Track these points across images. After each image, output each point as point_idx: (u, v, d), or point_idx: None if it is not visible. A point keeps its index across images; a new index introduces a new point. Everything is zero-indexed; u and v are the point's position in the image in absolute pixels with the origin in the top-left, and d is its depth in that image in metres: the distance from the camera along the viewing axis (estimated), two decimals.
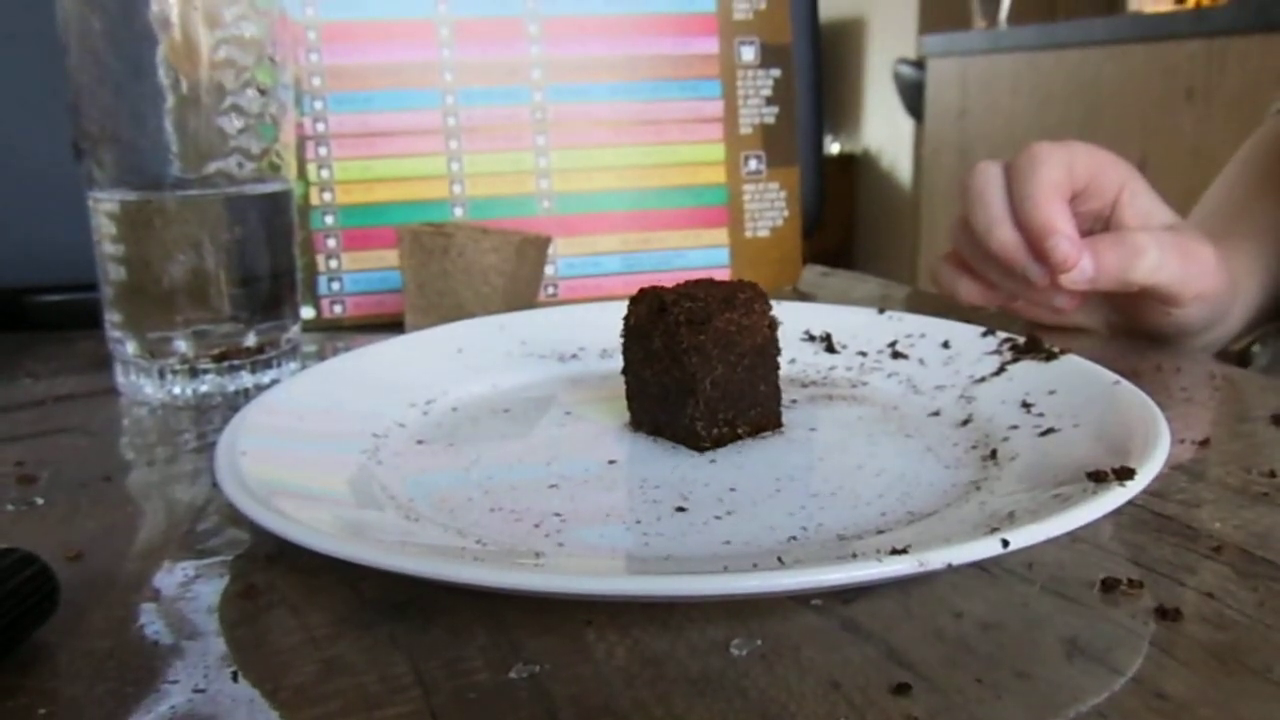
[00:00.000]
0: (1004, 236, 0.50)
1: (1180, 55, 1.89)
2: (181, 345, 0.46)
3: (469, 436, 0.40)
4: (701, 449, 0.37)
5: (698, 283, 0.38)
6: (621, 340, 0.39)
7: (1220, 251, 0.53)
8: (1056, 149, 0.50)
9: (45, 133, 0.57)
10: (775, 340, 0.38)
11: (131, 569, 0.31)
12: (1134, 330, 0.55)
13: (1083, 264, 0.48)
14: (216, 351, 0.46)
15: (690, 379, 0.36)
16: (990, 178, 0.51)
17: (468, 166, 0.62)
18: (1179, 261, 0.50)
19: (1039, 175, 0.49)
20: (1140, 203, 0.52)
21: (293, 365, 0.49)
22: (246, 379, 0.47)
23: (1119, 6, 2.84)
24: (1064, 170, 0.50)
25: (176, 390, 0.46)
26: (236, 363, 0.47)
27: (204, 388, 0.46)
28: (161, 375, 0.46)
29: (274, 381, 0.47)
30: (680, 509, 0.33)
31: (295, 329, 0.50)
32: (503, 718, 0.23)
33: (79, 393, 0.49)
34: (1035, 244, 0.48)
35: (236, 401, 0.46)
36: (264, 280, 0.47)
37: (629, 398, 0.40)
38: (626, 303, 0.39)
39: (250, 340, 0.47)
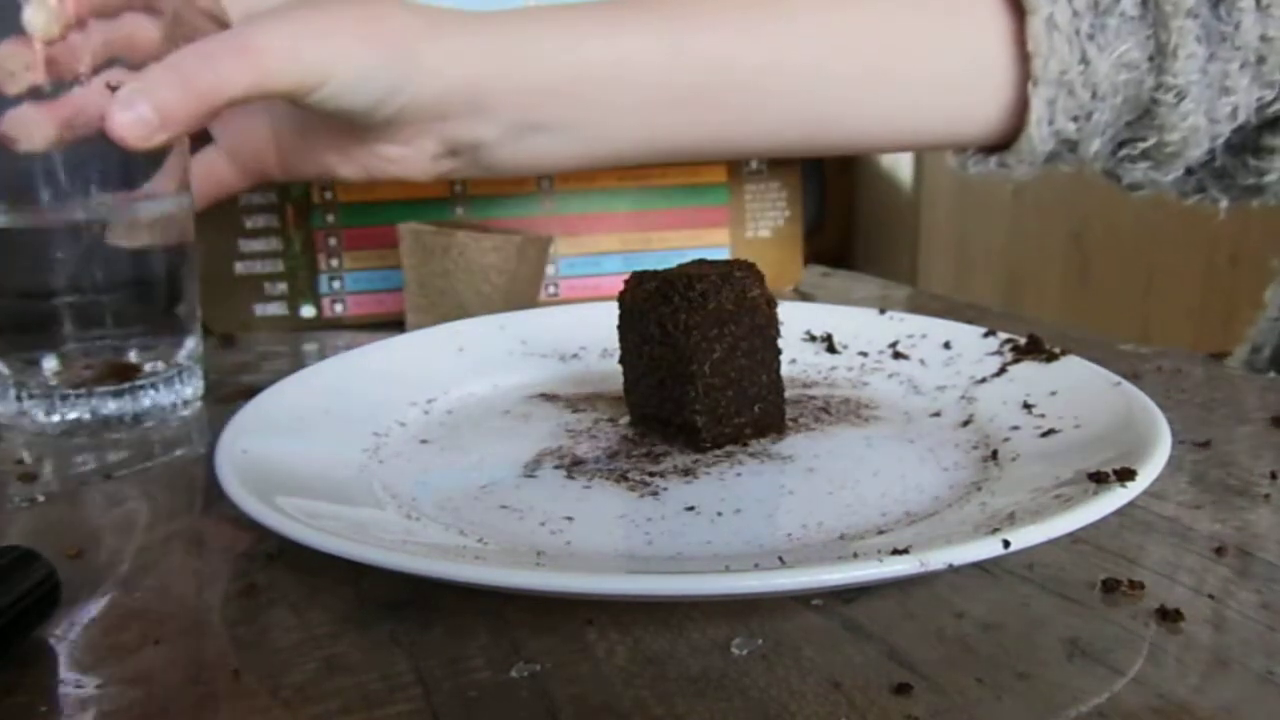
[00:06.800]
0: None
1: None
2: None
3: (470, 435, 0.40)
4: (702, 448, 0.37)
5: (693, 264, 0.38)
6: (618, 326, 0.39)
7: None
8: None
9: None
10: (775, 320, 0.38)
11: (131, 567, 0.31)
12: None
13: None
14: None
15: (688, 362, 0.36)
16: None
17: None
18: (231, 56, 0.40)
19: None
20: None
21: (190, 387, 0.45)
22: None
23: None
24: None
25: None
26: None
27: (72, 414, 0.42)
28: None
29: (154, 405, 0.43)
30: (681, 508, 0.33)
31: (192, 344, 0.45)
32: (503, 717, 0.23)
33: None
34: None
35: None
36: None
37: (627, 392, 0.40)
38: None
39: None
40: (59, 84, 0.39)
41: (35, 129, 0.39)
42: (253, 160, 0.51)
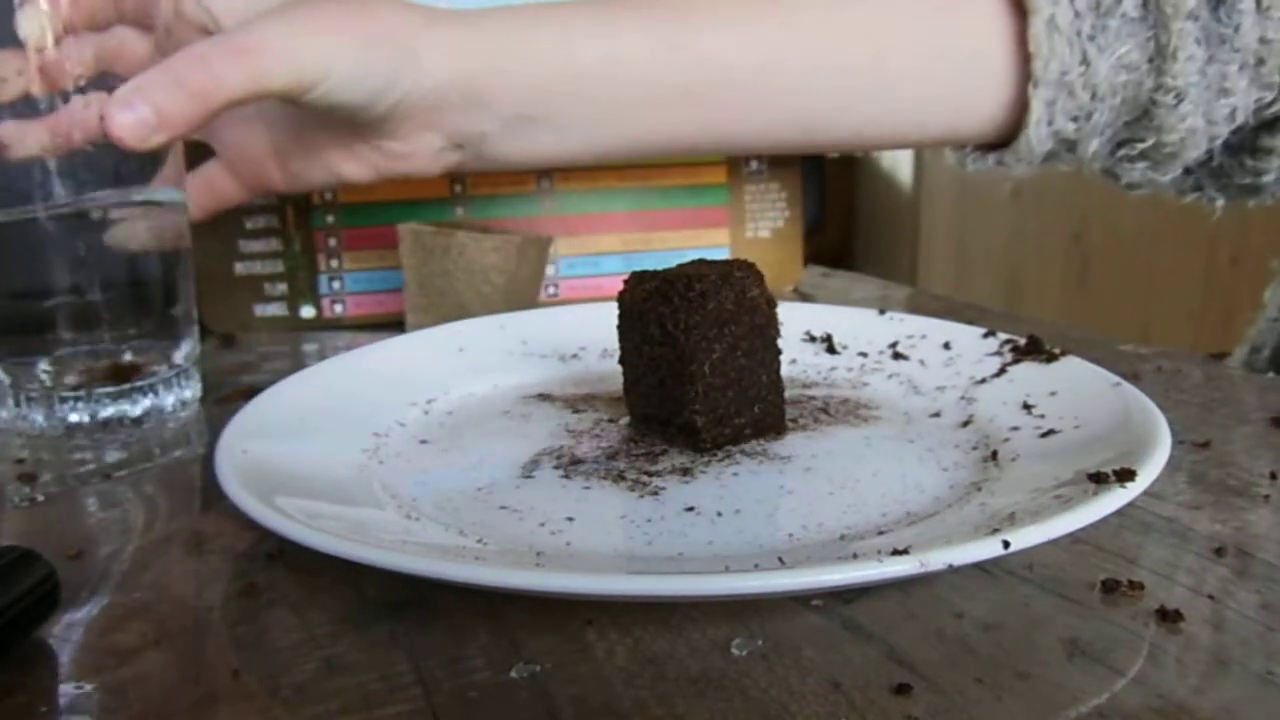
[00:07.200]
0: None
1: None
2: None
3: (470, 436, 0.40)
4: (701, 448, 0.37)
5: (693, 264, 0.38)
6: (617, 326, 0.39)
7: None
8: None
9: None
10: (775, 320, 0.38)
11: (131, 567, 0.31)
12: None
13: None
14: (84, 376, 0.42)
15: (687, 362, 0.36)
16: None
17: None
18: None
19: None
20: None
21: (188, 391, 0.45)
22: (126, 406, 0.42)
23: None
24: None
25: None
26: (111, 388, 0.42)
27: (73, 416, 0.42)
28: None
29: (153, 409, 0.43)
30: (681, 508, 0.33)
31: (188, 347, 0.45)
32: (503, 717, 0.23)
33: None
34: None
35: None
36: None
37: (626, 392, 0.40)
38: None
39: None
40: (51, 92, 0.39)
41: (28, 135, 0.39)
42: (251, 172, 0.51)
